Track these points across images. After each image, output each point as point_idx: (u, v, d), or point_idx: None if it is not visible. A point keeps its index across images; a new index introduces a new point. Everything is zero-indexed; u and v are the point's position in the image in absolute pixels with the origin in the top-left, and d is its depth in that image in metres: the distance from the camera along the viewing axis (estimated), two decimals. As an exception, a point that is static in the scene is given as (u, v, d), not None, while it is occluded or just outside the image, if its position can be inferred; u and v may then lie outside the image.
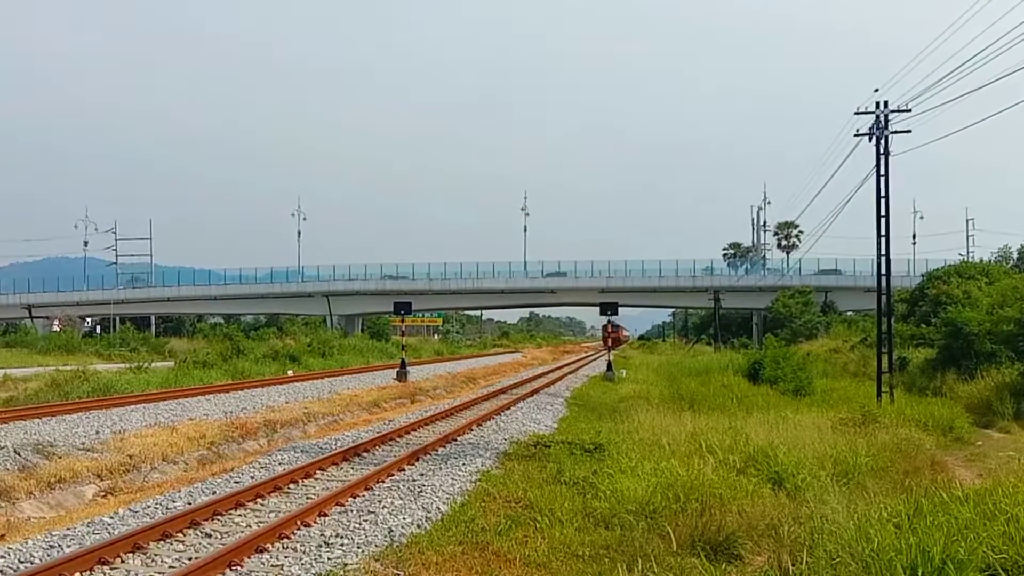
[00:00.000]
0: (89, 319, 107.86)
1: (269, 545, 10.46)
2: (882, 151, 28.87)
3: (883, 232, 29.52)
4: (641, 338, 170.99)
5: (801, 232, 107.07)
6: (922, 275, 63.06)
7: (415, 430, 21.75)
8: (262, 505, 13.02)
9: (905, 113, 28.33)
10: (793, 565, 8.95)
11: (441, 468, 15.92)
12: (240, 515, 12.33)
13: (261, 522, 11.79)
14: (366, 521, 11.83)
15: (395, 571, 9.52)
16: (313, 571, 9.47)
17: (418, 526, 11.56)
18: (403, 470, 15.82)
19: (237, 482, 14.85)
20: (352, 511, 12.49)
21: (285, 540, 10.81)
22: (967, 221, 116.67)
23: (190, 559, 9.91)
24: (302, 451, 18.53)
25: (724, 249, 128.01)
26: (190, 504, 12.82)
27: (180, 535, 11.06)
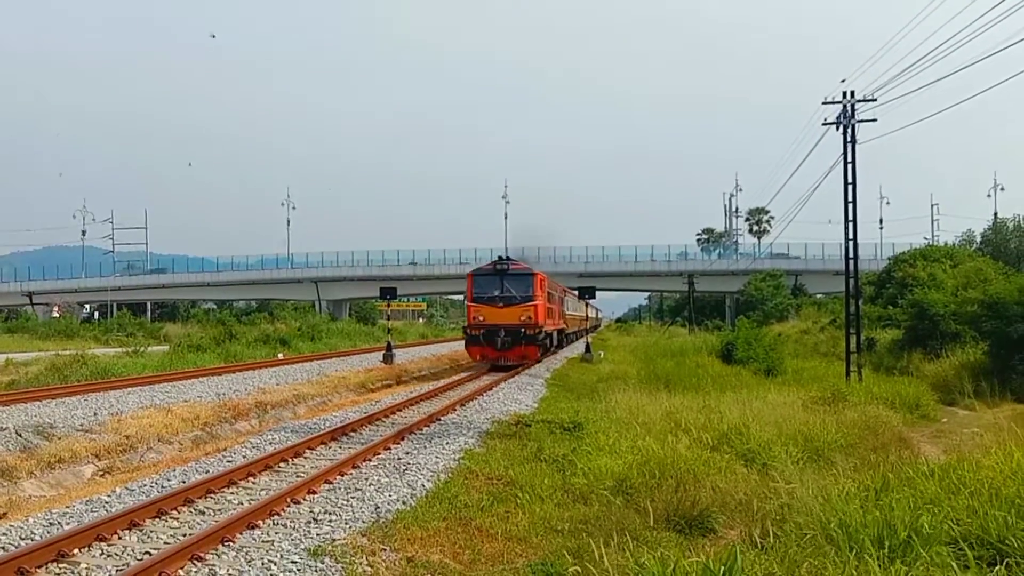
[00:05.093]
0: (87, 305, 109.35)
1: (260, 521, 10.63)
2: (849, 139, 29.36)
3: (851, 217, 30.03)
4: (618, 320, 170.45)
5: (772, 218, 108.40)
6: (889, 258, 63.67)
7: (400, 410, 21.94)
8: (253, 483, 13.21)
9: (871, 102, 28.85)
10: (764, 539, 9.12)
11: (426, 447, 16.11)
12: (232, 493, 12.53)
13: (253, 499, 11.98)
14: (353, 498, 12.01)
15: (381, 546, 9.72)
16: (303, 546, 9.61)
17: (403, 503, 11.75)
18: (389, 449, 16.00)
19: (229, 461, 15.00)
20: (340, 489, 12.66)
21: (276, 517, 10.98)
22: (932, 206, 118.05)
23: (185, 535, 10.07)
24: (292, 431, 18.71)
25: (698, 235, 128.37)
26: (184, 483, 12.99)
27: (175, 512, 11.25)
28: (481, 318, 34.62)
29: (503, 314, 34.31)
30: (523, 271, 35.65)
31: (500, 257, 36.18)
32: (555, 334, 42.99)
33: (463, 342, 38.69)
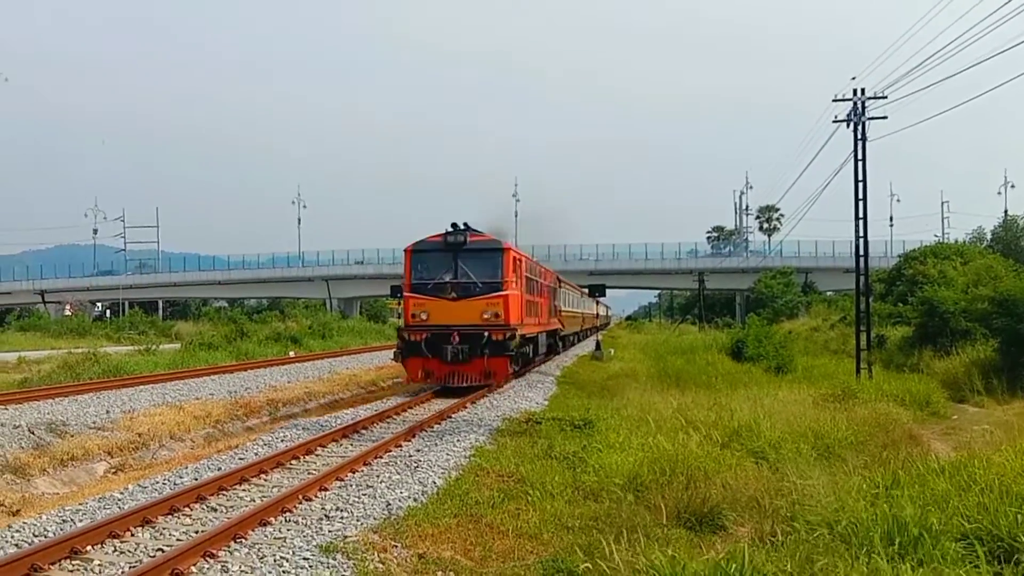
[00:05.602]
0: (99, 304, 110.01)
1: (272, 518, 10.68)
2: (859, 136, 29.33)
3: (861, 214, 29.98)
4: (628, 318, 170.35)
5: (782, 215, 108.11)
6: (899, 256, 63.53)
7: (411, 408, 21.91)
8: (265, 480, 13.28)
9: (881, 100, 28.85)
10: (774, 536, 9.14)
11: (436, 444, 16.14)
12: (244, 490, 12.61)
13: (265, 497, 12.04)
14: (365, 495, 12.04)
15: (393, 542, 9.77)
16: (315, 543, 9.65)
17: (415, 499, 11.78)
18: (400, 446, 16.07)
19: (241, 458, 15.08)
20: (351, 486, 12.73)
21: (288, 514, 11.02)
22: (942, 204, 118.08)
23: (197, 532, 10.12)
24: (303, 428, 18.76)
25: (708, 232, 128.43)
26: (196, 480, 13.07)
27: (187, 509, 11.30)
28: (424, 316, 24.53)
29: (457, 310, 24.24)
30: (488, 245, 25.27)
31: (455, 224, 25.23)
32: (541, 338, 32.36)
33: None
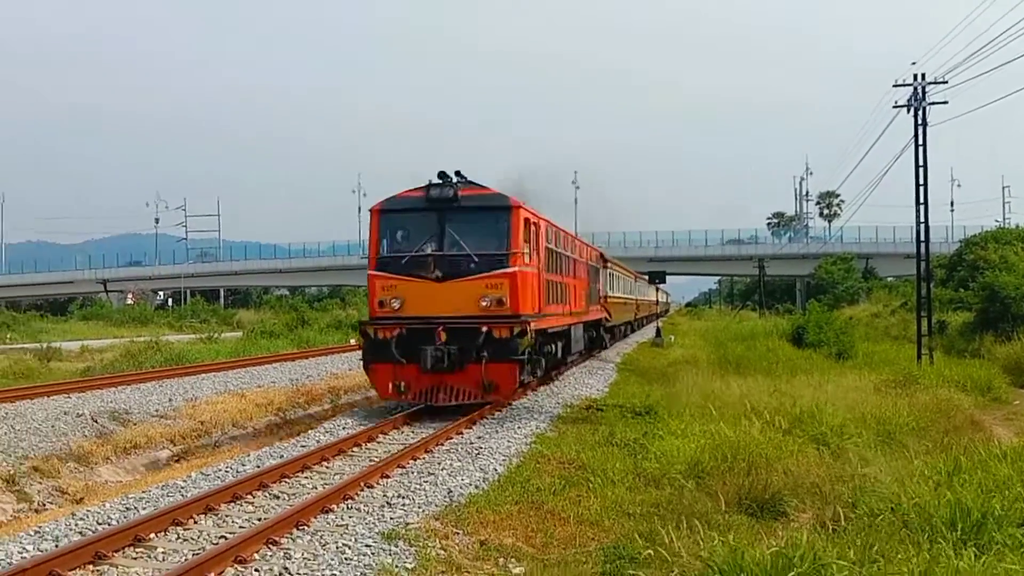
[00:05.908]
0: (161, 292, 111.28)
1: (334, 506, 10.71)
2: (920, 122, 29.01)
3: (922, 200, 29.68)
4: (688, 305, 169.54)
5: (842, 201, 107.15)
6: (960, 241, 62.74)
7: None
8: (327, 468, 13.31)
9: (942, 85, 28.53)
10: (836, 522, 9.11)
11: (497, 431, 16.12)
12: (306, 477, 12.65)
13: (326, 484, 12.08)
14: (426, 482, 12.04)
15: (454, 529, 9.82)
16: (376, 530, 9.65)
17: (476, 486, 11.80)
18: (461, 433, 16.02)
19: (303, 446, 15.10)
20: (413, 473, 12.73)
21: (349, 501, 11.05)
22: (1003, 189, 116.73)
23: (260, 519, 10.18)
24: (364, 416, 18.64)
25: (768, 218, 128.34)
26: (259, 467, 13.12)
27: (250, 497, 11.36)
28: (396, 304, 17.97)
29: (443, 295, 17.76)
30: (489, 201, 18.46)
31: (443, 173, 18.38)
32: (575, 332, 25.07)
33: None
